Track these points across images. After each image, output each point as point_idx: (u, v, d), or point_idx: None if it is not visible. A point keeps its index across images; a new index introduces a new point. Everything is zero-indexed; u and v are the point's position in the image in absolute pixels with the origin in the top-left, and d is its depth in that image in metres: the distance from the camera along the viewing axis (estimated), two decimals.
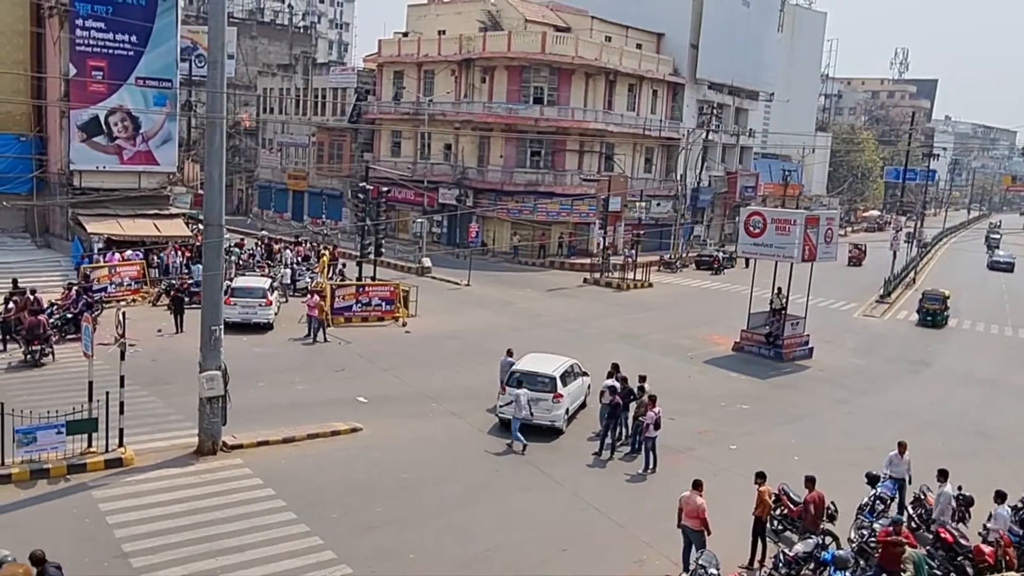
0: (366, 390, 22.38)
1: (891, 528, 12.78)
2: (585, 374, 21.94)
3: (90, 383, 16.51)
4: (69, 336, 24.64)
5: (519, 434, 18.70)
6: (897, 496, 15.81)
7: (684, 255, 54.83)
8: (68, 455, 15.97)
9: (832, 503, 14.60)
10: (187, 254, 34.55)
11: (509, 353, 21.68)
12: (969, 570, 13.43)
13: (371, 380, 23.64)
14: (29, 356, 22.62)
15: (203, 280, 18.40)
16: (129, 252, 33.44)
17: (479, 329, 31.08)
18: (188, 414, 18.22)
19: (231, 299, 27.02)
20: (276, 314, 29.51)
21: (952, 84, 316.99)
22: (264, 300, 28.68)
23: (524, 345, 23.83)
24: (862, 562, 13.41)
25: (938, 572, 13.23)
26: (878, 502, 15.20)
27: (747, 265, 41.35)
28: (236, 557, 13.05)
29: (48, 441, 15.58)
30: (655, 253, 51.58)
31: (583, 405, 21.61)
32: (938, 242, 78.45)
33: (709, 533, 13.26)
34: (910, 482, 16.10)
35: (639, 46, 57.31)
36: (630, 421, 19.30)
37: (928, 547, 13.82)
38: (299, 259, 38.46)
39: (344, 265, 37.14)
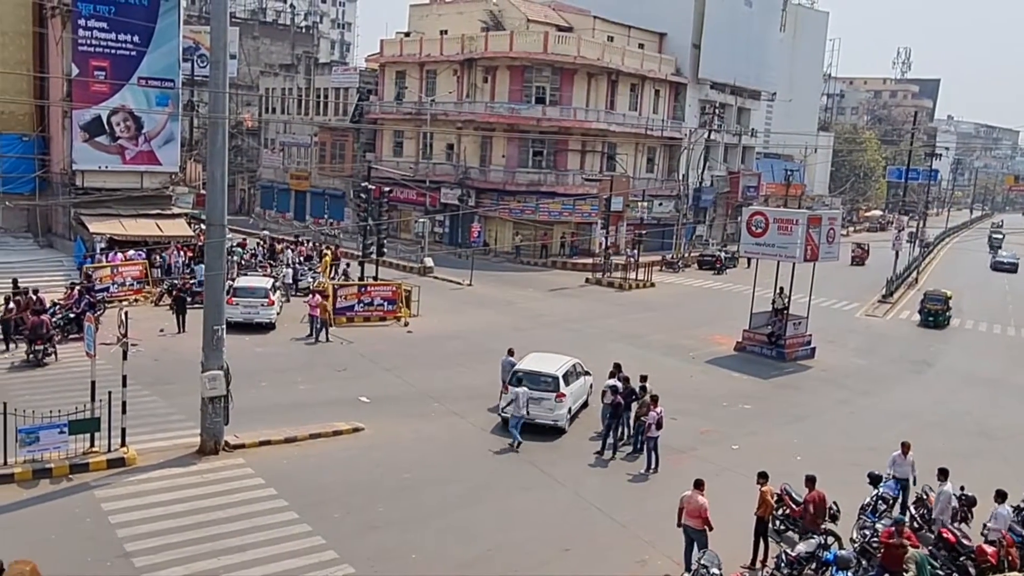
0: (368, 390, 22.39)
1: (893, 528, 12.77)
2: (587, 373, 21.96)
3: (92, 383, 16.52)
4: (72, 336, 24.67)
5: (514, 430, 18.80)
6: (900, 496, 15.80)
7: (686, 255, 54.78)
8: (70, 455, 15.99)
9: (834, 503, 14.60)
10: (189, 254, 34.59)
11: (510, 352, 21.69)
12: (972, 570, 13.41)
13: (373, 380, 23.65)
14: (32, 356, 22.66)
15: (205, 280, 18.42)
16: (131, 252, 33.49)
17: (481, 329, 31.08)
18: (190, 414, 18.24)
19: (233, 299, 27.05)
20: (278, 314, 29.54)
21: (954, 84, 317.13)
22: (266, 300, 28.70)
23: (526, 345, 23.82)
24: (864, 562, 13.41)
25: (940, 572, 13.22)
26: (880, 502, 15.20)
27: (749, 265, 41.41)
28: (238, 557, 13.06)
29: (51, 441, 15.61)
30: (657, 253, 51.55)
31: (585, 404, 21.62)
32: (940, 242, 78.33)
33: (711, 529, 13.26)
34: (915, 483, 16.08)
35: (641, 46, 57.29)
36: (632, 421, 19.31)
37: (930, 547, 13.80)
38: (301, 259, 38.49)
39: (348, 265, 37.12)
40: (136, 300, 31.05)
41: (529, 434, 19.16)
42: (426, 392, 22.50)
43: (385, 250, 36.46)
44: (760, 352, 29.73)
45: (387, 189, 37.37)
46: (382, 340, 28.50)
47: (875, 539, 13.53)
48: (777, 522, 14.93)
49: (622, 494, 16.84)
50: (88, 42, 34.11)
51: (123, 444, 16.54)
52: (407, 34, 58.18)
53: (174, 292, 28.67)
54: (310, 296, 29.28)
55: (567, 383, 20.16)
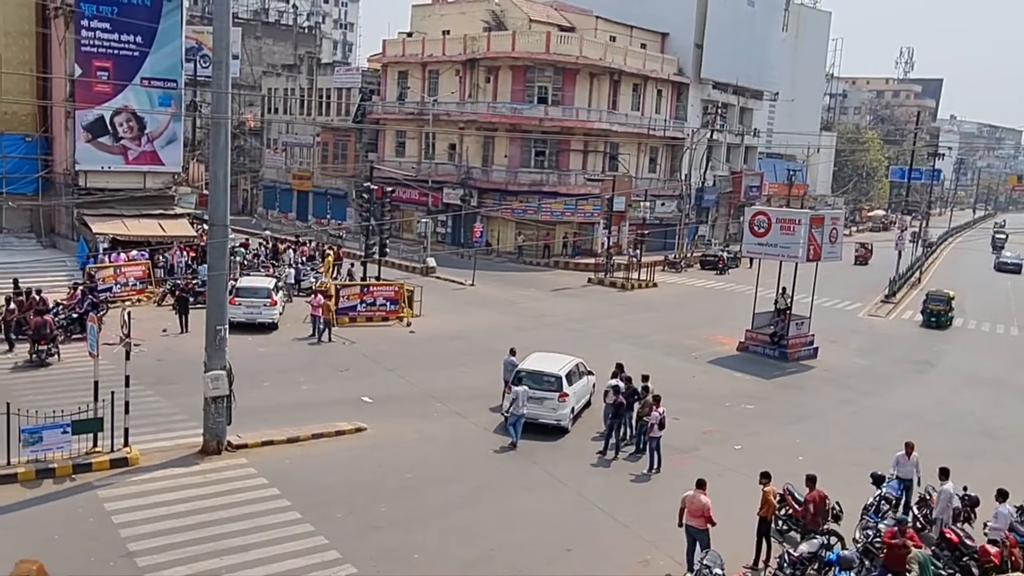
0: (371, 390, 22.40)
1: (896, 528, 12.75)
2: (590, 373, 21.99)
3: (95, 383, 16.54)
4: (75, 336, 24.70)
5: (510, 428, 18.85)
6: (903, 496, 15.79)
7: (688, 255, 54.79)
8: (74, 455, 16.03)
9: (837, 503, 14.60)
10: (192, 254, 34.62)
11: (512, 352, 21.69)
12: (975, 570, 13.39)
13: (375, 380, 23.67)
14: (35, 356, 22.71)
15: (208, 280, 18.44)
16: (134, 252, 33.55)
17: (483, 329, 31.09)
18: (193, 414, 18.25)
19: (236, 299, 27.08)
20: (281, 314, 29.56)
21: (957, 83, 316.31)
22: (269, 300, 28.72)
23: (528, 345, 23.82)
24: (867, 562, 13.39)
25: (943, 573, 13.20)
26: (883, 502, 15.19)
27: (751, 265, 41.35)
28: (241, 556, 13.08)
29: (54, 441, 15.64)
30: (659, 253, 51.52)
31: (588, 404, 21.63)
32: (943, 242, 78.22)
33: (714, 524, 13.25)
34: (919, 483, 16.08)
35: (643, 46, 57.29)
36: (634, 421, 19.31)
37: (933, 547, 13.79)
38: (303, 259, 38.52)
39: (353, 265, 37.10)
40: (139, 300, 31.08)
41: (532, 434, 19.17)
42: (428, 392, 22.51)
43: (388, 250, 36.48)
44: (762, 352, 29.70)
45: (389, 189, 37.41)
46: (384, 340, 28.52)
47: (878, 539, 13.50)
48: (780, 522, 14.92)
49: (624, 494, 16.84)
50: (91, 42, 34.16)
51: (126, 444, 16.57)
52: (409, 34, 58.23)
53: (177, 292, 28.70)
54: (312, 296, 29.30)
55: (570, 383, 20.18)
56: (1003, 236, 78.58)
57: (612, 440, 18.95)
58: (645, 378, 19.99)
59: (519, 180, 50.68)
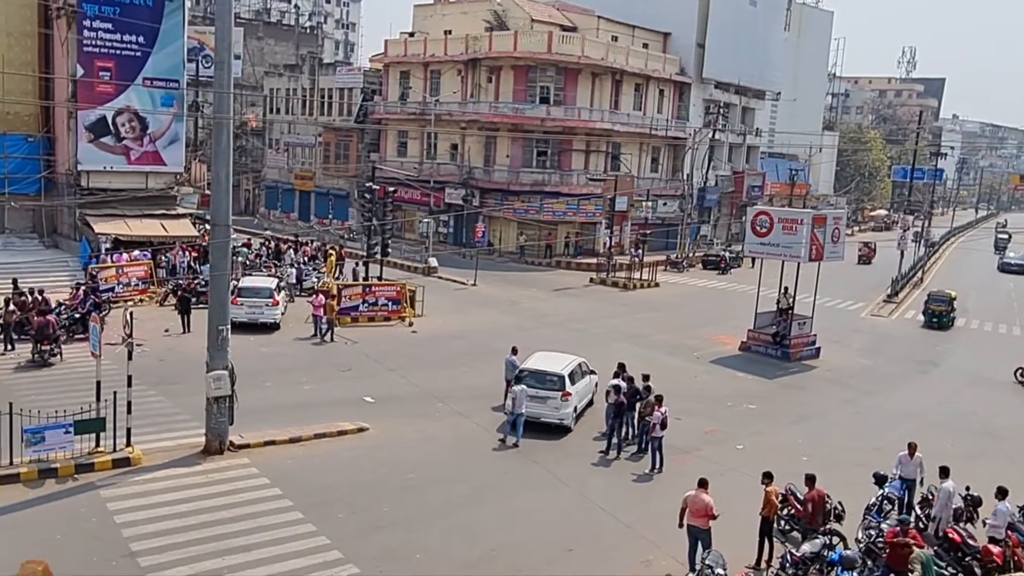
0: (372, 390, 22.41)
1: (898, 528, 12.74)
2: (593, 372, 22.01)
3: (98, 383, 16.55)
4: (77, 336, 24.74)
5: (508, 426, 18.85)
6: (905, 496, 15.77)
7: (691, 255, 54.78)
8: (76, 454, 16.04)
9: (839, 503, 14.59)
10: (194, 254, 34.66)
11: (514, 351, 21.70)
12: (977, 570, 13.39)
13: (377, 380, 23.67)
14: (37, 356, 22.74)
15: (210, 280, 18.46)
16: (136, 252, 33.59)
17: (485, 329, 31.09)
18: (195, 414, 18.26)
19: (238, 299, 27.11)
20: (283, 314, 29.58)
21: (960, 83, 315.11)
22: (271, 300, 28.73)
23: (530, 345, 23.83)
24: (869, 562, 13.37)
25: (946, 573, 13.19)
26: (885, 502, 15.18)
27: (754, 265, 41.29)
28: (243, 556, 13.08)
29: (56, 441, 15.66)
30: (661, 253, 51.53)
31: (591, 403, 21.64)
32: (946, 241, 78.09)
33: (715, 517, 13.23)
34: (922, 483, 16.07)
35: (645, 46, 57.28)
36: (636, 421, 19.30)
37: (936, 547, 13.78)
38: (305, 259, 38.54)
39: (357, 265, 37.06)
40: (141, 300, 31.13)
41: (535, 433, 19.17)
42: (430, 392, 22.52)
43: (389, 250, 36.50)
44: (765, 352, 29.68)
45: (391, 189, 37.46)
46: (386, 340, 28.52)
47: (880, 539, 13.50)
48: (782, 522, 14.91)
49: (626, 494, 16.84)
50: (93, 43, 34.19)
51: (128, 444, 16.59)
52: (411, 34, 58.23)
53: (179, 292, 28.74)
54: (314, 296, 29.31)
55: (573, 382, 20.19)
56: (1006, 236, 78.31)
57: (614, 440, 18.95)
58: (647, 378, 19.99)
59: (521, 180, 50.68)
